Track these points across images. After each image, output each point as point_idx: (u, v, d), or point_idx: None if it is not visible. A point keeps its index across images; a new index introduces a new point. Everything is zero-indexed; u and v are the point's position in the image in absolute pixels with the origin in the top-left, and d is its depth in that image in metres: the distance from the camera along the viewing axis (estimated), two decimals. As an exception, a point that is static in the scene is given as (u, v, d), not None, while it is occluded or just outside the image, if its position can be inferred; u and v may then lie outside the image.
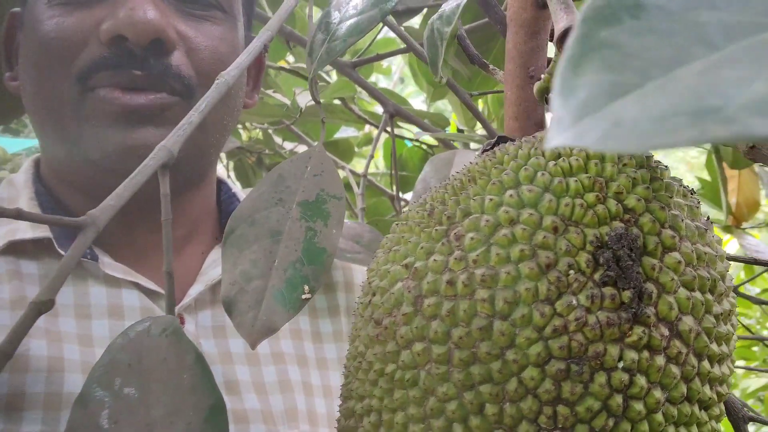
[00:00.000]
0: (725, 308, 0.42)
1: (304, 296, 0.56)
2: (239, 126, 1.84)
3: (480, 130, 1.63)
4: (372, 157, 1.23)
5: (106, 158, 0.69)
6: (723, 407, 0.43)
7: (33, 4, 0.72)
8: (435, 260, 0.42)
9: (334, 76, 1.68)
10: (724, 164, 1.36)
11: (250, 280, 0.56)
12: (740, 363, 2.27)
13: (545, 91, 0.47)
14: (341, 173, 1.76)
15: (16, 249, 0.70)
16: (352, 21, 0.65)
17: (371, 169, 1.82)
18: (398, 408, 0.42)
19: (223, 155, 1.96)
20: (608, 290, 0.39)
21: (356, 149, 2.19)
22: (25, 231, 0.70)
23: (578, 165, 0.42)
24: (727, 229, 1.52)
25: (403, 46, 1.09)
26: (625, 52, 0.17)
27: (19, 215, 0.39)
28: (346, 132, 2.12)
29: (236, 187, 0.88)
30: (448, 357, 0.40)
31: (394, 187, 1.46)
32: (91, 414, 0.42)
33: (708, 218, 0.45)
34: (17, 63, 0.76)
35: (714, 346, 0.41)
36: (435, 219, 0.44)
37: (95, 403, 0.43)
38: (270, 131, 1.80)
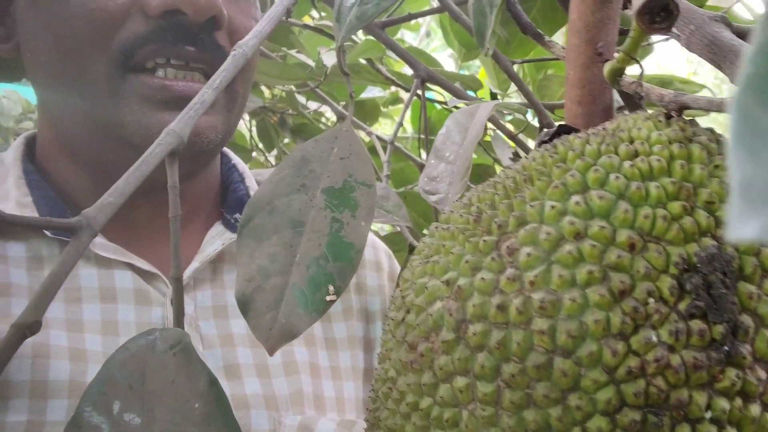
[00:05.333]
0: (832, 343, 0.35)
1: (328, 298, 0.50)
2: (261, 84, 1.77)
3: (515, 93, 1.54)
4: (401, 124, 1.15)
5: (149, 142, 0.64)
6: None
7: None
8: (482, 278, 0.35)
9: (360, 35, 1.59)
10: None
11: (268, 277, 0.50)
12: None
13: (618, 73, 0.39)
14: (366, 138, 1.69)
15: (2, 231, 0.65)
16: (385, -19, 0.57)
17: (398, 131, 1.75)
18: (435, 449, 0.36)
19: (245, 115, 1.90)
20: (696, 324, 0.32)
21: (382, 109, 2.11)
22: (11, 211, 0.65)
23: (660, 166, 0.35)
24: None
25: (436, 4, 1.01)
26: None
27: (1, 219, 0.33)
28: (372, 92, 2.04)
29: (237, 158, 0.82)
30: (496, 397, 0.34)
31: (423, 155, 1.38)
32: (85, 442, 0.37)
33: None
34: (3, 22, 0.69)
35: (818, 390, 0.34)
36: (482, 226, 0.37)
37: (90, 430, 0.37)
38: (294, 92, 1.73)
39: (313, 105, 1.99)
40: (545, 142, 0.41)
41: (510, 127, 1.44)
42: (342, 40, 0.57)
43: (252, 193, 0.77)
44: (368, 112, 1.98)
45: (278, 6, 0.52)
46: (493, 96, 1.47)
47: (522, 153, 1.25)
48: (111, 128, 0.65)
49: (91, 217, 0.37)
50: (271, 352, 0.47)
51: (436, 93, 1.55)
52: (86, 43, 0.64)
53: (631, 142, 0.36)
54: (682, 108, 0.37)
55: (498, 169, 1.49)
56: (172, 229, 0.42)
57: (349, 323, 0.78)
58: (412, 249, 0.91)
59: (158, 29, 0.63)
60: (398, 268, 0.88)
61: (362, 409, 0.76)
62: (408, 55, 1.11)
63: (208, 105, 0.46)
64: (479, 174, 1.47)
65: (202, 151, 0.67)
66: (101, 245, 0.66)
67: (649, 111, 0.40)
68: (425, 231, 1.27)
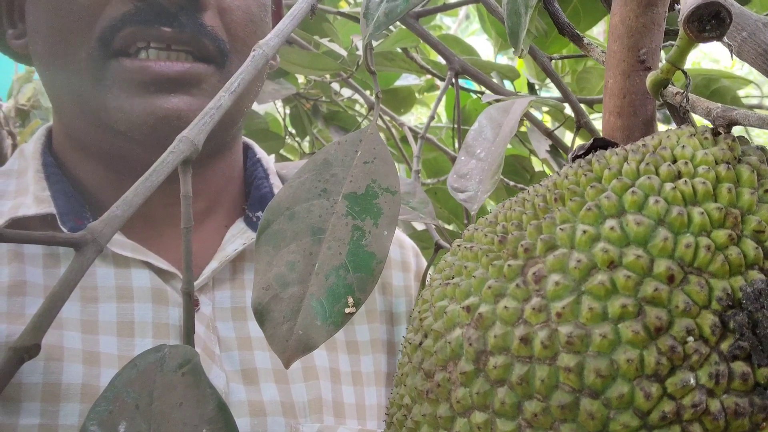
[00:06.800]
0: None
1: (347, 310, 0.48)
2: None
3: (552, 86, 1.49)
4: (433, 117, 1.12)
5: (134, 129, 0.63)
6: None
7: None
8: (506, 307, 0.33)
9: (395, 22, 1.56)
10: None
11: (286, 286, 0.48)
12: None
13: (662, 85, 0.36)
14: (398, 127, 1.66)
15: (20, 226, 0.65)
16: (416, -24, 0.55)
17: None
18: (452, 485, 0.33)
19: (279, 102, 1.88)
20: (739, 366, 0.30)
21: (417, 96, 2.07)
22: (29, 207, 0.64)
23: (705, 190, 0.32)
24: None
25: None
26: None
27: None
28: (406, 79, 2.01)
29: (262, 152, 0.81)
30: (518, 436, 0.31)
31: (457, 145, 1.35)
32: (89, 463, 0.36)
33: None
34: (21, 19, 0.69)
35: None
36: (508, 249, 0.35)
37: (94, 450, 0.36)
38: (328, 80, 1.71)
39: (346, 92, 1.97)
40: (579, 156, 0.38)
41: (547, 118, 1.40)
42: (369, 38, 0.55)
43: (276, 190, 0.75)
44: (402, 99, 1.95)
45: (302, 3, 0.50)
46: (531, 87, 1.43)
47: (559, 148, 1.21)
48: (98, 116, 0.64)
49: (96, 232, 0.35)
50: (287, 365, 0.45)
51: (471, 80, 1.51)
52: (69, 31, 0.63)
53: (674, 161, 0.33)
54: (730, 124, 0.34)
55: (534, 161, 1.45)
56: (183, 241, 0.41)
57: (373, 326, 0.76)
58: (438, 248, 0.89)
59: (135, 11, 0.62)
60: (425, 265, 0.86)
61: (384, 416, 0.74)
62: (441, 47, 1.07)
63: (224, 110, 0.44)
64: (514, 165, 1.44)
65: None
66: (119, 243, 0.65)
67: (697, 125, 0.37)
68: (454, 228, 1.24)
